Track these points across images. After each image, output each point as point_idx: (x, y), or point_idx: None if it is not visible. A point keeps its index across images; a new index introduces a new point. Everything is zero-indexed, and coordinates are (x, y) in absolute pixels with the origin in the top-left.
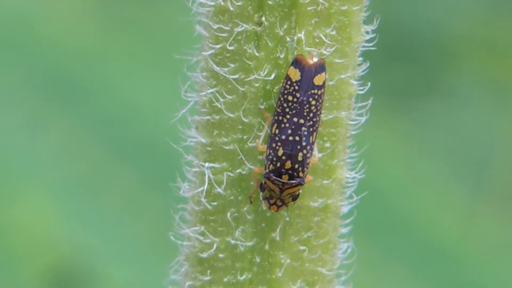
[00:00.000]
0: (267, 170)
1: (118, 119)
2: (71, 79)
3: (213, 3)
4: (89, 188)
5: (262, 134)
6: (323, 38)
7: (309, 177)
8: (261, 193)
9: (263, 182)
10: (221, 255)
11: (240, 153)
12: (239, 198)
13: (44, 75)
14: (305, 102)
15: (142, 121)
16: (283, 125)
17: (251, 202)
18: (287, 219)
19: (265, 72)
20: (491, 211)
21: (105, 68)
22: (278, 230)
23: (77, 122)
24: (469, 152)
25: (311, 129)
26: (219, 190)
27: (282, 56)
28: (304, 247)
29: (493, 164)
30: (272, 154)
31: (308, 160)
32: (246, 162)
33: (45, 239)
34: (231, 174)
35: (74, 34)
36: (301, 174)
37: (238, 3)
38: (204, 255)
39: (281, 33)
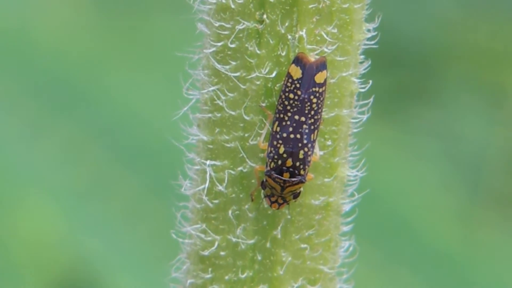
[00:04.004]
0: (269, 168)
1: (118, 125)
2: (71, 87)
3: (214, 1)
4: (92, 195)
5: (264, 132)
6: (325, 36)
7: (310, 175)
8: (262, 191)
9: (264, 180)
10: (222, 253)
11: (242, 151)
12: (241, 196)
13: (44, 83)
14: (306, 100)
15: (142, 127)
16: (284, 123)
17: (252, 200)
18: (289, 217)
19: (267, 70)
20: (487, 215)
21: (105, 74)
22: (279, 228)
23: (78, 129)
24: (465, 157)
25: (312, 127)
26: (220, 188)
27: (283, 54)
28: (305, 245)
29: (487, 168)
30: (274, 152)
31: (309, 158)
32: (247, 160)
33: (48, 248)
34: (233, 172)
35: (73, 42)
36: (302, 172)
37: (240, 1)
38: (206, 253)
39: (283, 31)
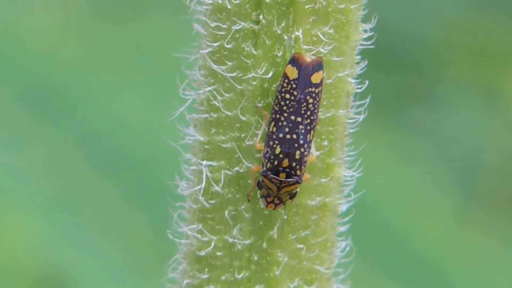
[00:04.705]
0: (265, 168)
1: (102, 133)
2: (55, 93)
3: (211, 1)
4: (73, 204)
5: (260, 132)
6: (321, 36)
7: (306, 175)
8: (258, 191)
9: (260, 180)
10: (219, 253)
11: (238, 151)
12: (237, 196)
13: (28, 89)
14: (302, 100)
15: (127, 135)
16: (280, 123)
17: (248, 200)
18: (285, 217)
19: (263, 70)
20: (480, 219)
21: (90, 81)
22: (275, 228)
23: (61, 136)
24: (459, 158)
25: (308, 127)
26: (217, 188)
27: (279, 54)
28: (302, 246)
29: (482, 171)
30: (270, 152)
31: (305, 158)
32: (243, 160)
33: (28, 256)
34: (229, 172)
35: (59, 48)
36: (298, 172)
37: (236, 1)
38: (202, 253)
39: (279, 31)
